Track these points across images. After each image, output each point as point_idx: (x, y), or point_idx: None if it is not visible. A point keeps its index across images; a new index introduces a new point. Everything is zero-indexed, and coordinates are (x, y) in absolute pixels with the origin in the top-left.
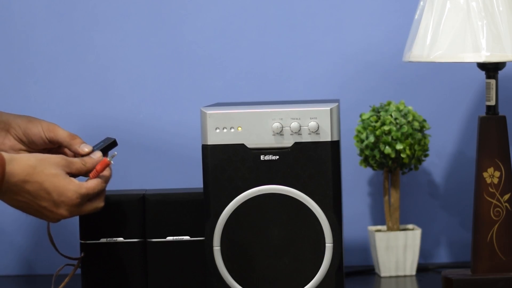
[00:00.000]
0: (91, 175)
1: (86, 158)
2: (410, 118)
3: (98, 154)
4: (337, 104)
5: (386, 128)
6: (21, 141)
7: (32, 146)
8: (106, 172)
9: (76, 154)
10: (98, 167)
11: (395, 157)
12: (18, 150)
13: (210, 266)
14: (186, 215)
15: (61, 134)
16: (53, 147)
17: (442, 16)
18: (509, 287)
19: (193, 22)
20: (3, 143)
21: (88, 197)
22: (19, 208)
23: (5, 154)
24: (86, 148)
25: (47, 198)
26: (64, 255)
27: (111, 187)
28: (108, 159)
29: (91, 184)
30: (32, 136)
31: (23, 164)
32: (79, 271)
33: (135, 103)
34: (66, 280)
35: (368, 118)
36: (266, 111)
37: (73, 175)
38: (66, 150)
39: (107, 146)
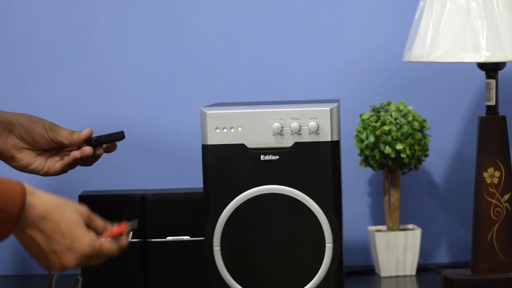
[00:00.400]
0: (104, 234)
1: (109, 226)
2: (410, 118)
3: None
4: (337, 104)
5: (386, 128)
6: (24, 140)
7: (35, 145)
8: (123, 242)
9: (81, 145)
10: (115, 230)
11: (395, 157)
12: (20, 149)
13: (210, 266)
14: (186, 215)
15: (63, 134)
16: (56, 146)
17: (442, 16)
18: (509, 287)
19: (193, 22)
20: (6, 142)
21: (99, 254)
22: (27, 246)
23: (26, 185)
24: (85, 130)
25: (60, 241)
26: None
27: (111, 187)
28: (126, 228)
29: (108, 245)
30: (35, 136)
31: (44, 199)
32: (79, 270)
33: (135, 103)
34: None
35: (368, 118)
36: (266, 111)
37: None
38: (71, 155)
39: (112, 135)
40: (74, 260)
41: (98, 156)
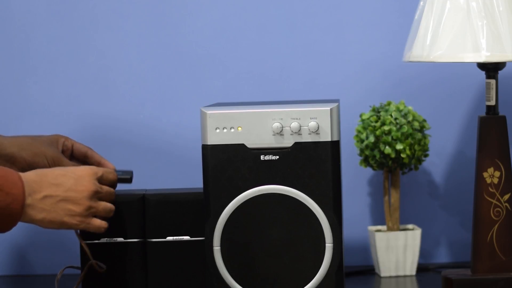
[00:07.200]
0: None
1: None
2: (410, 118)
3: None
4: (337, 104)
5: (386, 128)
6: None
7: None
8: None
9: None
10: None
11: (395, 157)
12: None
13: (210, 266)
14: (186, 215)
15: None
16: None
17: (442, 16)
18: (509, 287)
19: (193, 22)
20: None
21: (101, 178)
22: (46, 212)
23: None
24: None
25: (66, 180)
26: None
27: None
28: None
29: (105, 170)
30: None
31: (32, 171)
32: (78, 271)
33: (135, 103)
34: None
35: (368, 118)
36: (266, 111)
37: None
38: None
39: (119, 180)
40: (89, 183)
41: None
